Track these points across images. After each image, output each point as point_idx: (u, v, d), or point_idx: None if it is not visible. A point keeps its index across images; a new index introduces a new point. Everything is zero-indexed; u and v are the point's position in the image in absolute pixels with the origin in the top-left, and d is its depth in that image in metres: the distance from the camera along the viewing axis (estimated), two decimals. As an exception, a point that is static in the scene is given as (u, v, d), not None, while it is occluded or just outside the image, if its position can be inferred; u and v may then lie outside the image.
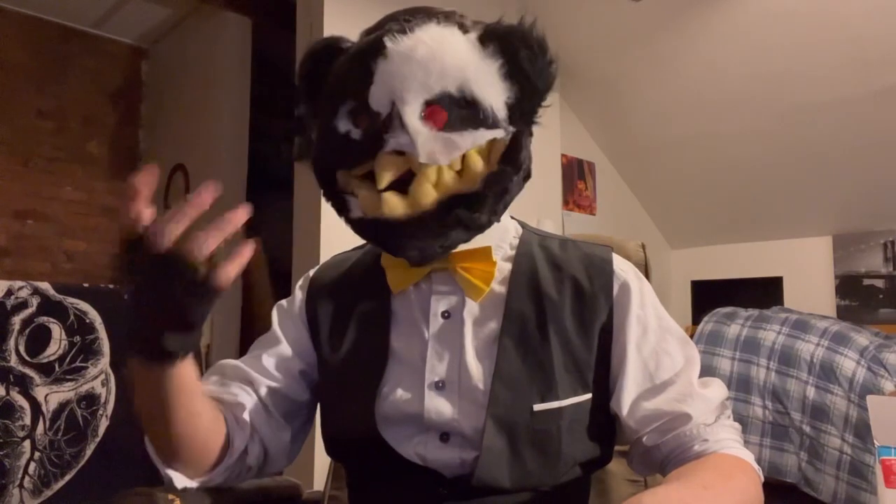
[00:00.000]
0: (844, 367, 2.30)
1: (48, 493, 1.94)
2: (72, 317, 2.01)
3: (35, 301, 1.96)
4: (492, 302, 0.77)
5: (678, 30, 3.09)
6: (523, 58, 0.71)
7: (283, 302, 0.89)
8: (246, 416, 0.76)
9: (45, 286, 2.00)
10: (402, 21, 0.72)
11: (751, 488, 0.68)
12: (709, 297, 3.74)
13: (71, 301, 2.02)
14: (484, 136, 0.70)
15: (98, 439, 2.05)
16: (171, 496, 0.73)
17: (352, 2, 2.70)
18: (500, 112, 0.70)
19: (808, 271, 3.60)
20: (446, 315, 0.77)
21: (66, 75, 3.79)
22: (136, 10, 3.64)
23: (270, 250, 3.29)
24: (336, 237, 2.49)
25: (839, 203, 3.41)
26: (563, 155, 3.57)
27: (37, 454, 1.92)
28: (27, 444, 1.91)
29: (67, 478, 1.97)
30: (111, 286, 2.67)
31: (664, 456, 0.74)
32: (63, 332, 1.99)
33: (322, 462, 2.57)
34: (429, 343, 0.76)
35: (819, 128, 3.12)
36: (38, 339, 1.95)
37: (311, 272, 0.90)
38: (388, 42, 0.69)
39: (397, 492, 0.73)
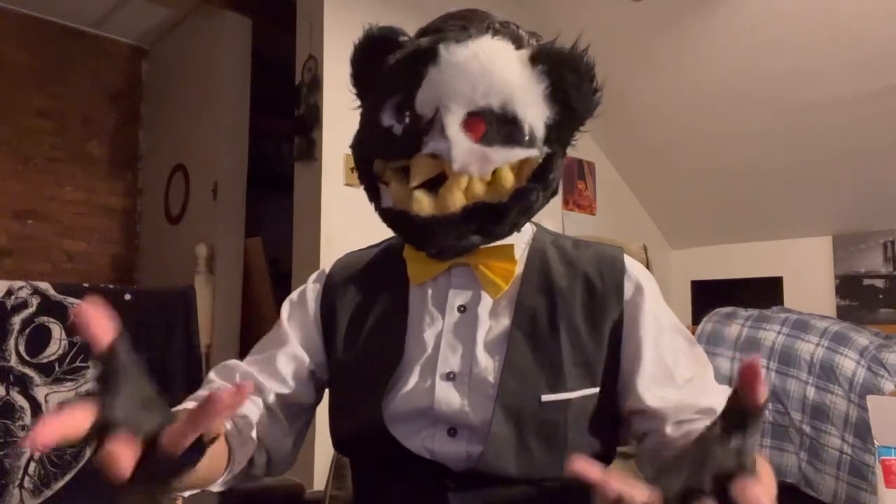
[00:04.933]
0: (844, 367, 2.30)
1: (48, 493, 1.93)
2: (72, 317, 2.01)
3: (35, 301, 1.96)
4: (505, 298, 0.79)
5: (678, 30, 3.09)
6: (569, 83, 0.74)
7: (294, 296, 0.89)
8: (252, 432, 0.76)
9: (45, 286, 2.00)
10: (460, 28, 0.75)
11: (773, 477, 0.70)
12: (709, 297, 3.74)
13: (71, 301, 2.02)
14: (518, 154, 0.73)
15: (98, 439, 2.05)
16: (173, 495, 0.73)
17: (352, 2, 2.70)
18: (539, 132, 0.74)
19: (808, 271, 3.60)
20: (462, 309, 0.79)
21: (66, 75, 3.79)
22: (136, 10, 3.64)
23: (270, 250, 3.29)
24: (336, 237, 2.50)
25: (839, 203, 3.40)
26: (563, 155, 3.57)
27: (37, 454, 1.92)
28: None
29: (67, 478, 1.97)
30: (111, 286, 2.67)
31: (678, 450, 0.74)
32: (63, 332, 1.99)
33: (322, 462, 2.56)
34: (443, 335, 0.77)
35: (819, 128, 3.12)
36: (38, 339, 1.95)
37: (327, 268, 0.90)
38: (442, 50, 0.72)
39: (404, 485, 0.74)
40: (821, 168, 3.27)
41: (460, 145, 0.71)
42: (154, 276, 3.77)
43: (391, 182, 0.77)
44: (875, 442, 0.77)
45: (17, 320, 1.95)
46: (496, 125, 0.72)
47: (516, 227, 0.78)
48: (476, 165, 0.72)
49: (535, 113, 0.73)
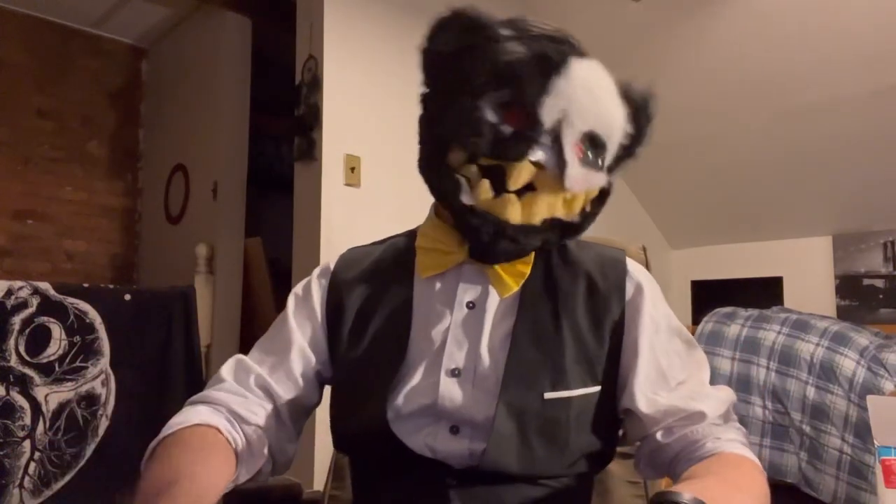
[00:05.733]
0: (844, 367, 2.30)
1: (48, 493, 1.94)
2: (72, 317, 2.01)
3: (35, 301, 1.96)
4: (510, 296, 0.79)
5: (678, 30, 3.09)
6: (643, 129, 0.79)
7: (299, 290, 0.87)
8: (265, 448, 0.77)
9: (45, 286, 2.00)
10: (568, 44, 0.75)
11: (767, 491, 0.69)
12: (709, 297, 3.74)
13: (71, 301, 2.03)
14: (601, 181, 0.77)
15: (98, 439, 2.05)
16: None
17: (352, 2, 2.70)
18: (609, 162, 0.78)
19: (808, 271, 3.60)
20: (471, 305, 0.79)
21: (66, 75, 3.79)
22: (136, 10, 3.64)
23: (270, 250, 3.30)
24: (336, 237, 2.50)
25: (839, 203, 3.40)
26: (563, 155, 3.57)
27: (37, 454, 1.92)
28: (27, 444, 1.91)
29: (67, 478, 1.97)
30: (111, 286, 2.67)
31: (675, 454, 0.75)
32: (63, 332, 1.99)
33: (322, 462, 2.56)
34: (450, 331, 0.77)
35: (819, 128, 3.12)
36: (38, 339, 1.95)
37: (332, 263, 0.89)
38: (573, 64, 0.72)
39: (405, 483, 0.74)
40: (821, 168, 3.27)
41: (575, 164, 0.72)
42: (154, 276, 3.77)
43: (477, 181, 0.73)
44: (875, 442, 0.77)
45: (17, 320, 1.95)
46: (592, 150, 0.74)
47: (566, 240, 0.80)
48: (580, 185, 0.73)
49: (615, 148, 0.77)
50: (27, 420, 1.93)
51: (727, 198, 3.73)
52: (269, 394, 0.79)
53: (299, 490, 1.05)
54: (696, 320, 3.28)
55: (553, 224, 0.75)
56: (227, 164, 3.29)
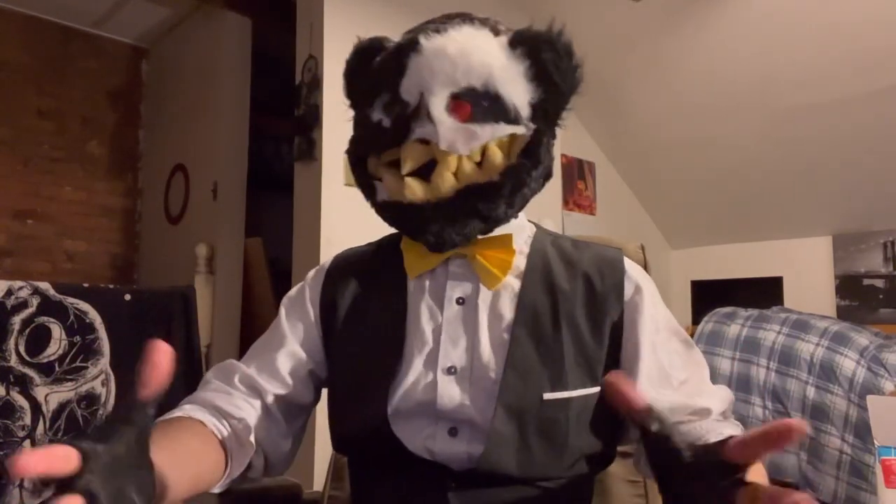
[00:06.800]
0: (844, 367, 2.30)
1: (48, 493, 1.94)
2: (72, 317, 2.01)
3: (35, 301, 1.96)
4: (506, 293, 0.78)
5: (678, 30, 3.09)
6: (548, 60, 0.74)
7: (293, 293, 0.88)
8: (251, 435, 0.76)
9: (45, 286, 2.00)
10: (439, 23, 0.77)
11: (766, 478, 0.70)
12: (709, 297, 3.74)
13: (71, 301, 2.02)
14: (504, 129, 0.74)
15: (98, 439, 2.05)
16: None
17: (352, 2, 2.70)
18: (524, 110, 0.74)
19: (808, 271, 3.60)
20: (461, 301, 0.78)
21: (66, 75, 3.79)
22: (136, 10, 3.64)
23: (270, 250, 3.29)
24: (336, 237, 2.51)
25: (839, 203, 3.40)
26: (563, 155, 3.57)
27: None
28: (27, 444, 1.91)
29: (67, 478, 1.97)
30: (111, 286, 2.67)
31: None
32: (63, 332, 1.99)
33: (322, 462, 2.56)
34: (443, 328, 0.77)
35: (819, 128, 3.12)
36: (38, 339, 1.95)
37: (326, 264, 0.90)
38: (422, 39, 0.74)
39: (403, 485, 0.74)
40: (821, 168, 3.27)
41: (446, 124, 0.72)
42: (154, 276, 3.77)
43: (384, 176, 0.77)
44: (875, 442, 0.77)
45: (17, 320, 1.95)
46: (480, 103, 0.73)
47: (512, 207, 0.77)
48: (462, 143, 0.72)
49: (517, 91, 0.74)
50: (27, 420, 1.93)
51: (727, 198, 3.73)
52: (254, 390, 0.79)
53: (299, 490, 1.05)
54: (696, 320, 3.28)
55: (469, 189, 0.74)
56: (227, 164, 3.28)
